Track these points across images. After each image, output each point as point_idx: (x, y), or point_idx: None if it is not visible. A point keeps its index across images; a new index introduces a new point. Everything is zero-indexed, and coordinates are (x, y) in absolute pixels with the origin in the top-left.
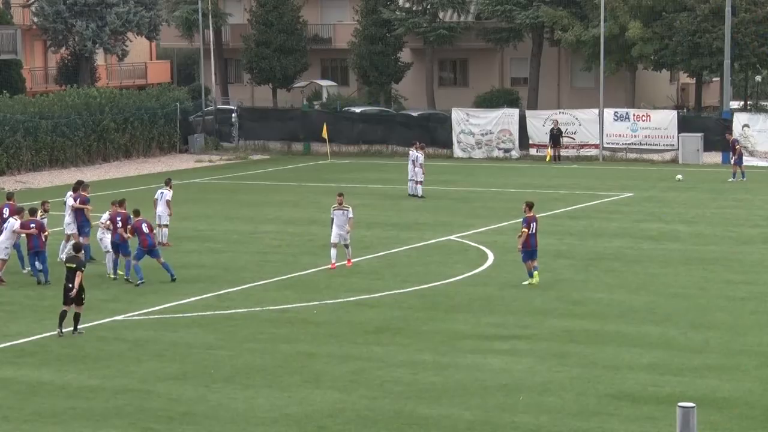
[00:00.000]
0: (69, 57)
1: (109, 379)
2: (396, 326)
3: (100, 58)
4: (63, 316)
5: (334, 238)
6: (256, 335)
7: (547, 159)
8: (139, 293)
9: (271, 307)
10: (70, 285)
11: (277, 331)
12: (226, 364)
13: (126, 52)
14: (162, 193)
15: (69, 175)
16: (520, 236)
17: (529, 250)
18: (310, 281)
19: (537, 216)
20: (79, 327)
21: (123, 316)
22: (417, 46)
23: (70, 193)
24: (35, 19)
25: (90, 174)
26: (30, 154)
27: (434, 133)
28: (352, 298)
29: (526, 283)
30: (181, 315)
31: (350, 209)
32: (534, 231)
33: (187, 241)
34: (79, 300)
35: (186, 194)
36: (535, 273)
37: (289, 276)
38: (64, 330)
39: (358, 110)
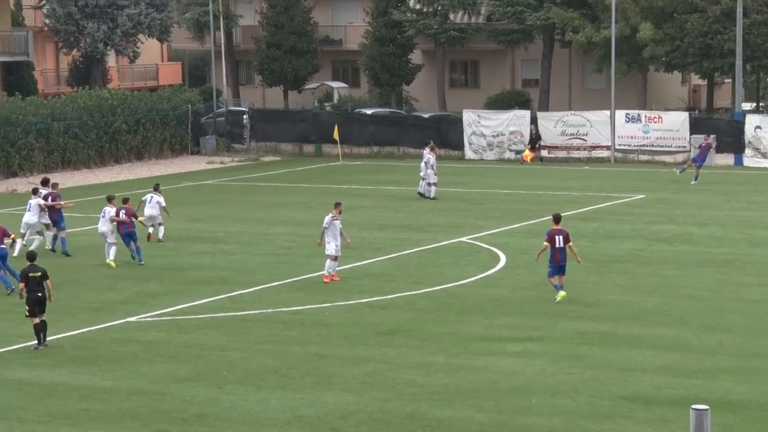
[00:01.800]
0: (80, 59)
1: (122, 381)
2: (408, 328)
3: (111, 59)
4: (41, 328)
5: (335, 251)
6: (269, 337)
7: (529, 161)
8: (151, 295)
9: (283, 309)
10: (39, 294)
11: (290, 333)
12: (239, 366)
13: (137, 53)
14: (151, 197)
15: (81, 177)
16: (541, 251)
17: (556, 266)
18: (322, 283)
19: (564, 228)
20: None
21: (136, 317)
22: (428, 48)
23: (37, 197)
24: (47, 21)
25: (102, 175)
26: (42, 156)
27: (445, 134)
28: (364, 300)
29: (558, 298)
30: (193, 316)
31: None
32: (561, 245)
33: (199, 242)
34: (43, 308)
35: (198, 196)
36: (562, 292)
37: (301, 278)
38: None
39: (369, 112)
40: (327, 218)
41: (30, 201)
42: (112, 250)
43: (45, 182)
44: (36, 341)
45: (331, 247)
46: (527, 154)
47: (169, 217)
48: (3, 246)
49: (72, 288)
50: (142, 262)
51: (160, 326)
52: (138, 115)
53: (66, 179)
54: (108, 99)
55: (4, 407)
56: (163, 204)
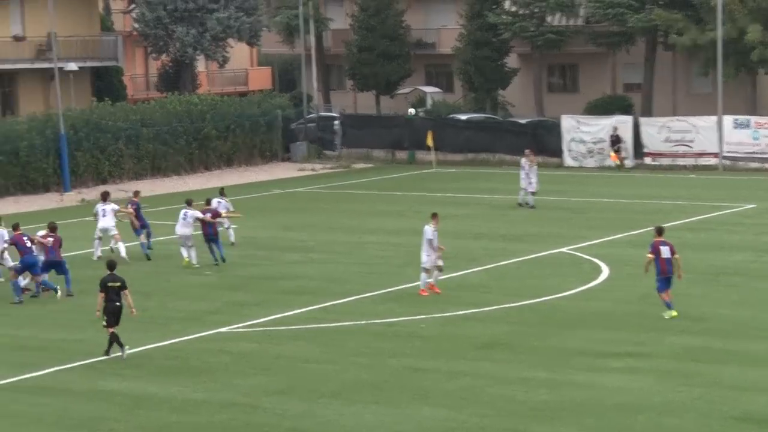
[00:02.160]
0: (170, 63)
1: (213, 393)
2: (506, 341)
3: (200, 64)
4: (116, 338)
5: (431, 263)
6: (362, 349)
7: (616, 164)
8: (242, 305)
9: (376, 321)
10: (118, 304)
11: (384, 345)
12: (333, 379)
13: (227, 58)
14: (219, 201)
15: (171, 184)
16: (648, 263)
17: (664, 278)
18: (416, 294)
19: (668, 240)
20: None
21: (227, 328)
22: (524, 51)
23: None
24: (136, 26)
25: (192, 183)
26: (132, 162)
27: (543, 141)
28: (460, 312)
29: (667, 316)
30: (285, 327)
31: None
32: (667, 256)
33: (290, 251)
34: (118, 318)
35: (288, 203)
36: (673, 312)
37: (395, 288)
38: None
39: (463, 117)
40: (429, 229)
41: (104, 207)
42: (193, 253)
43: (105, 196)
44: (120, 350)
45: (430, 259)
46: (613, 156)
47: (240, 218)
48: (35, 254)
49: (161, 297)
50: (225, 260)
51: (251, 337)
52: (227, 120)
53: (156, 186)
54: (197, 104)
55: (96, 418)
56: (231, 208)
